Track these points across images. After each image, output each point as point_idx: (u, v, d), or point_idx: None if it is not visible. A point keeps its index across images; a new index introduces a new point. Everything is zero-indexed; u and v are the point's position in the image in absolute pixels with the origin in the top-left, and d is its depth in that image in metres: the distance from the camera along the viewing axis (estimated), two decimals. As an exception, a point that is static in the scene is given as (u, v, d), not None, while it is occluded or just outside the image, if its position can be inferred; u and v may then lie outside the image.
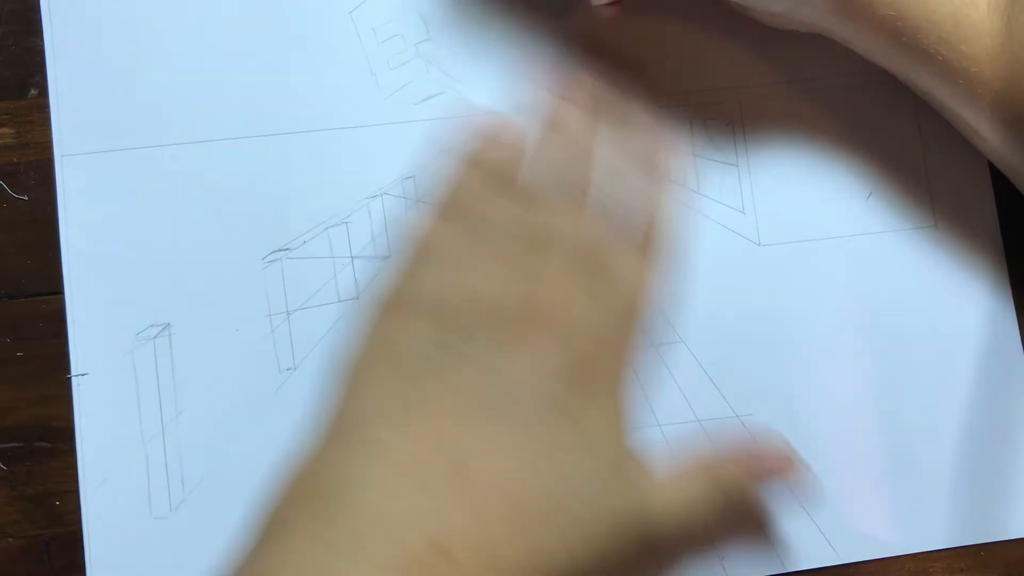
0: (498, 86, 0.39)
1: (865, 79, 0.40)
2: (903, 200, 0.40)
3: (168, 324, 0.38)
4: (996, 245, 0.40)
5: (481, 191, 0.33)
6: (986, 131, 0.35)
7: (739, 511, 0.33)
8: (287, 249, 0.38)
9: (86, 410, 0.37)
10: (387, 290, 0.32)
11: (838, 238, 0.39)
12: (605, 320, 0.32)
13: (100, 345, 0.37)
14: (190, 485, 0.37)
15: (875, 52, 0.36)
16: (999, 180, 0.39)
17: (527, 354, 0.30)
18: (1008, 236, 0.40)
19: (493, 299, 0.31)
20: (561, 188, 0.33)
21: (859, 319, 0.39)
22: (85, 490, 0.37)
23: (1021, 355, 0.39)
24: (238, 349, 0.38)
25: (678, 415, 0.38)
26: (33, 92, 0.39)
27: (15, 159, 0.39)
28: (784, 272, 0.39)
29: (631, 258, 0.33)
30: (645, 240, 0.34)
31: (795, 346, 0.39)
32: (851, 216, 0.40)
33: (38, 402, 0.38)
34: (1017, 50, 0.32)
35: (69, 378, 0.37)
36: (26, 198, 0.38)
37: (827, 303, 0.39)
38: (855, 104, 0.40)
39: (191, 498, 0.37)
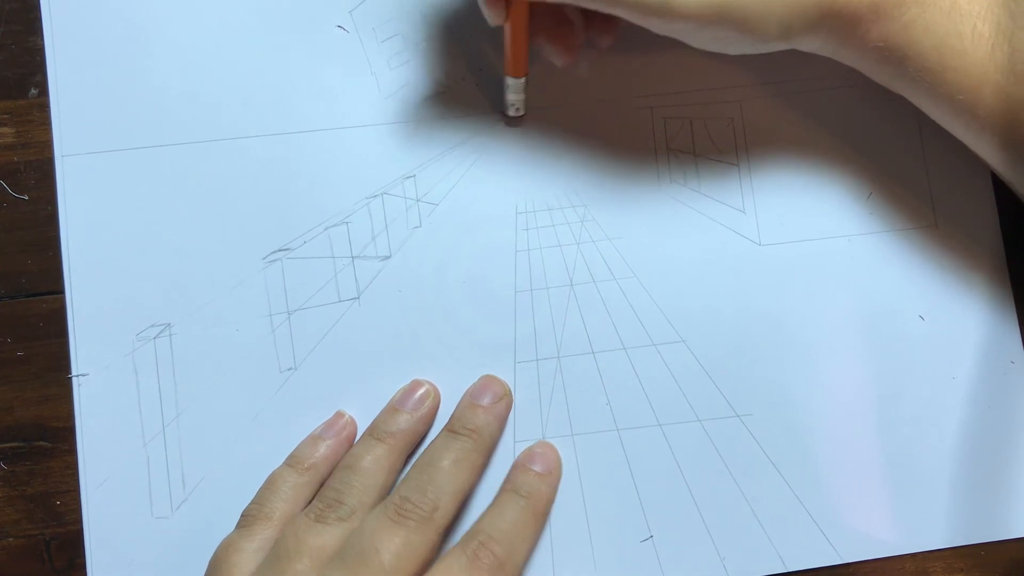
0: (497, 86, 0.39)
1: (866, 81, 0.39)
2: (903, 200, 0.40)
3: (169, 324, 0.38)
4: (996, 245, 0.40)
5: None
6: (983, 152, 0.35)
7: None
8: (287, 249, 0.38)
9: (87, 410, 0.37)
10: None
11: (838, 238, 0.39)
12: None
13: (101, 345, 0.37)
14: (191, 485, 0.37)
15: (873, 76, 0.36)
16: (1000, 180, 0.39)
17: None
18: (1008, 236, 0.40)
19: None
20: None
21: (859, 319, 0.39)
22: (86, 490, 0.37)
23: (1021, 355, 0.39)
24: (238, 349, 0.38)
25: (678, 415, 0.38)
26: (33, 92, 0.39)
27: (15, 158, 0.39)
28: (784, 272, 0.39)
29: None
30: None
31: (795, 346, 0.39)
32: (851, 216, 0.40)
33: (39, 402, 0.38)
34: (999, 78, 0.32)
35: (70, 378, 0.37)
36: (26, 198, 0.38)
37: (827, 303, 0.39)
38: (855, 104, 0.40)
39: (192, 498, 0.37)
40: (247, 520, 0.35)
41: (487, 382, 0.38)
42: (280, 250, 0.38)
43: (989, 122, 0.33)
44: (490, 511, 0.36)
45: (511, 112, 0.38)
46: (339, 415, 0.38)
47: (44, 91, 0.39)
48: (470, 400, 0.37)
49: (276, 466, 0.37)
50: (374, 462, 0.36)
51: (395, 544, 0.33)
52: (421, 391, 0.38)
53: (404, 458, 0.37)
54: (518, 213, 0.39)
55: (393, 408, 0.37)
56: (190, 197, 0.38)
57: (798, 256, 0.39)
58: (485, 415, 0.37)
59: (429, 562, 0.34)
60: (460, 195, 0.39)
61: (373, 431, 0.37)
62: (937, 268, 0.39)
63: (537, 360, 0.38)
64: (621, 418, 0.38)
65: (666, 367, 0.38)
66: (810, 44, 0.35)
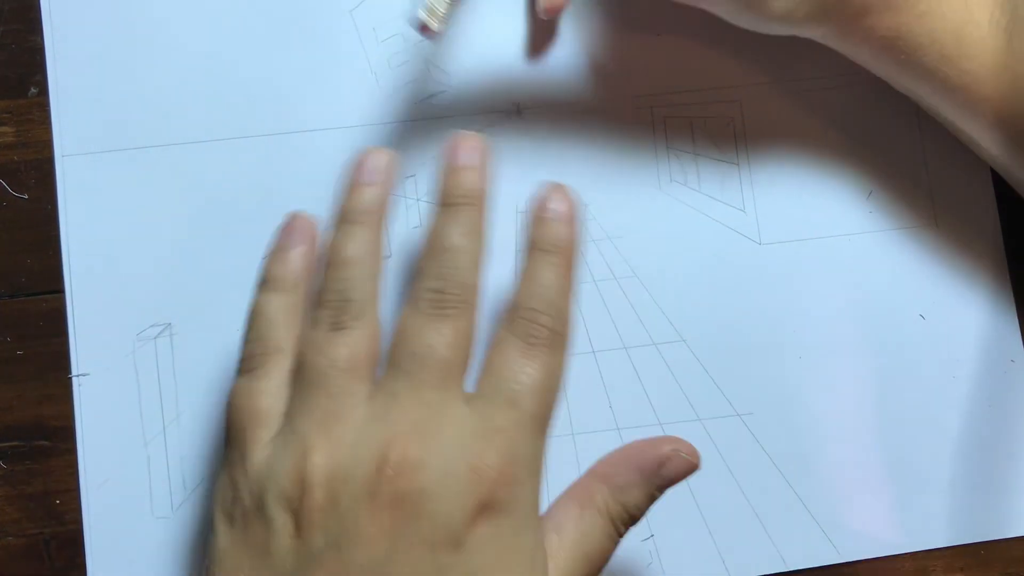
0: (497, 86, 0.39)
1: (866, 79, 0.39)
2: (903, 199, 0.40)
3: (169, 324, 0.38)
4: (996, 244, 0.40)
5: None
6: (988, 144, 0.35)
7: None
8: (288, 249, 0.38)
9: (87, 410, 0.37)
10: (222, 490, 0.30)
11: (838, 237, 0.39)
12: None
13: (101, 345, 0.37)
14: (191, 485, 0.37)
15: (875, 68, 0.36)
16: (1000, 179, 0.39)
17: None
18: (1008, 236, 0.40)
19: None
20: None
21: (859, 317, 0.39)
22: (86, 490, 0.37)
23: (1021, 354, 0.39)
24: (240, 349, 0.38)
25: (679, 414, 0.38)
26: (33, 91, 0.39)
27: (15, 158, 0.38)
28: (785, 271, 0.39)
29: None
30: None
31: (795, 346, 0.39)
32: (851, 215, 0.40)
33: (38, 401, 0.38)
34: (1018, 67, 0.32)
35: (71, 378, 0.37)
36: (26, 197, 0.38)
37: (827, 302, 0.39)
38: (855, 103, 0.40)
39: (193, 498, 0.37)
40: (253, 360, 0.31)
41: (459, 139, 0.33)
42: (281, 250, 0.38)
43: (1000, 113, 0.33)
44: (525, 280, 0.32)
45: (422, 24, 0.33)
46: (294, 216, 0.34)
47: (44, 90, 0.39)
48: (451, 164, 0.33)
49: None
50: (361, 247, 0.32)
51: (446, 337, 0.30)
52: (379, 157, 0.33)
53: (384, 233, 0.33)
54: (518, 212, 0.39)
55: (357, 184, 0.33)
56: (190, 197, 0.38)
57: (798, 255, 0.39)
58: (472, 175, 0.33)
59: (474, 343, 0.31)
60: (461, 195, 0.39)
61: (346, 216, 0.32)
62: (937, 267, 0.39)
63: (538, 359, 0.38)
64: (622, 417, 0.38)
65: (666, 366, 0.38)
66: (813, 29, 0.34)
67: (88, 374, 0.37)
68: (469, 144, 0.33)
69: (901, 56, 0.34)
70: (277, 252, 0.33)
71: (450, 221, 0.32)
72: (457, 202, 0.32)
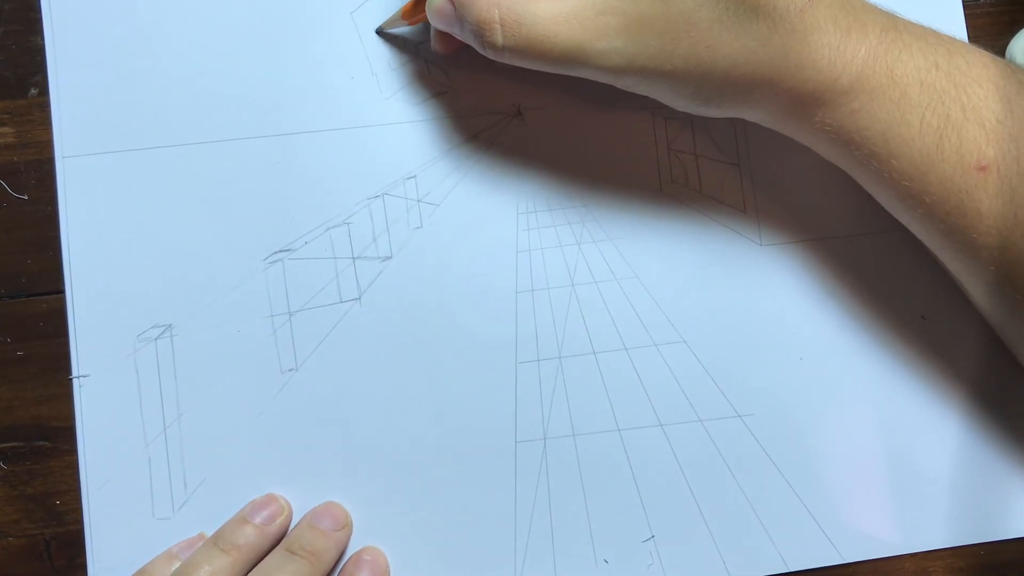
0: (497, 86, 0.39)
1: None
2: (904, 200, 0.40)
3: (170, 325, 0.38)
4: (997, 245, 0.40)
5: None
6: (924, 235, 0.35)
7: None
8: (288, 250, 0.38)
9: (88, 412, 0.37)
10: None
11: (839, 238, 0.39)
12: None
13: (102, 347, 0.37)
14: (192, 486, 0.37)
15: (816, 149, 0.36)
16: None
17: None
18: (1008, 236, 0.40)
19: None
20: None
21: (859, 319, 0.39)
22: (87, 491, 0.37)
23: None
24: (240, 350, 0.38)
25: (680, 415, 0.38)
26: (33, 91, 0.39)
27: (15, 158, 0.38)
28: (785, 272, 0.39)
29: None
30: None
31: (796, 346, 0.39)
32: (852, 216, 0.40)
33: (39, 401, 0.38)
34: (946, 167, 0.32)
35: (71, 379, 0.37)
36: (26, 198, 0.38)
37: (828, 303, 0.39)
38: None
39: (193, 499, 0.37)
40: None
41: (330, 507, 0.37)
42: (281, 251, 0.38)
43: (934, 209, 0.33)
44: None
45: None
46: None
47: (44, 91, 0.38)
48: (311, 522, 0.37)
49: (277, 468, 0.37)
50: (213, 574, 0.35)
51: None
52: (274, 507, 0.37)
53: (245, 571, 0.36)
54: (519, 213, 0.39)
55: (243, 518, 0.37)
56: (191, 198, 0.38)
57: (799, 256, 0.39)
58: (325, 540, 0.36)
59: None
60: (461, 196, 0.39)
61: (218, 540, 0.36)
62: (938, 267, 0.39)
63: (538, 360, 0.38)
64: (622, 418, 0.38)
65: (667, 367, 0.39)
66: (751, 116, 0.35)
67: (88, 375, 0.37)
68: (336, 514, 0.37)
69: (837, 148, 0.34)
70: (240, 516, 0.37)
71: (283, 566, 0.36)
72: (299, 553, 0.36)
